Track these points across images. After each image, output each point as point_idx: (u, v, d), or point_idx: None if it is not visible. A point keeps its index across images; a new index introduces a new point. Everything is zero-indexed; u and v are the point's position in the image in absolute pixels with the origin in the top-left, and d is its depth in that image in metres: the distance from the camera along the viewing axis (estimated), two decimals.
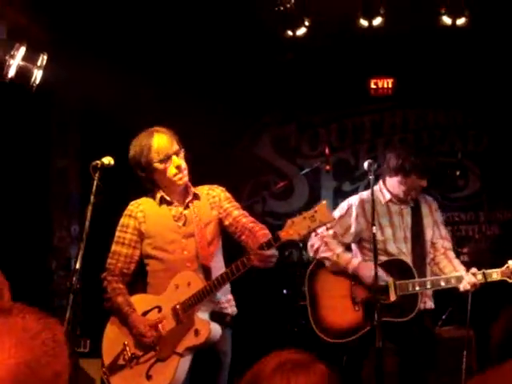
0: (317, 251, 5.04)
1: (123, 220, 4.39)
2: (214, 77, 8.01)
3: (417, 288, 4.75)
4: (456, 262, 4.98)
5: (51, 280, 7.78)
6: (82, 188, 7.62)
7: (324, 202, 3.89)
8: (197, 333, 4.08)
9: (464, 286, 4.73)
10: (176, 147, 4.25)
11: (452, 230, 8.31)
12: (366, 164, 4.78)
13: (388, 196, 5.04)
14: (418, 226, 5.04)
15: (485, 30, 7.57)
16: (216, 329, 4.12)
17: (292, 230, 3.81)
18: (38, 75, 5.54)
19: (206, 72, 7.98)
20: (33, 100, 6.34)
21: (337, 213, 5.05)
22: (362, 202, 5.03)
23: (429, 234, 5.03)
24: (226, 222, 4.32)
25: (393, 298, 4.73)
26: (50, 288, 7.72)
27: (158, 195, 4.33)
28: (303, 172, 7.83)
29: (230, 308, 4.34)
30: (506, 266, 4.70)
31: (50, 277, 7.78)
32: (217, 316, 4.20)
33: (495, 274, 4.68)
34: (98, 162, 4.15)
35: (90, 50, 7.22)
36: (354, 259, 4.96)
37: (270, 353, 1.80)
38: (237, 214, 4.31)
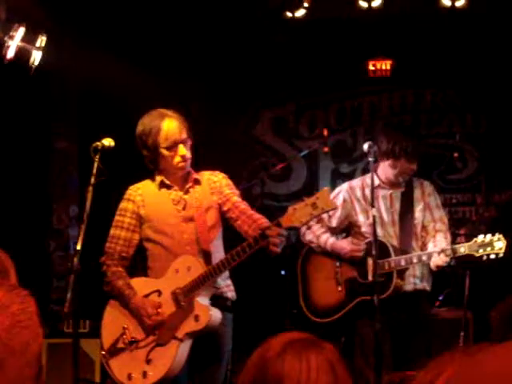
0: (303, 235, 5.21)
1: (122, 204, 4.38)
2: (212, 58, 8.00)
3: (392, 265, 4.84)
4: (440, 241, 5.00)
5: (50, 261, 7.80)
6: (81, 169, 7.63)
7: (326, 188, 3.93)
8: (197, 318, 4.08)
9: (434, 262, 4.82)
10: (184, 136, 4.22)
11: (449, 212, 8.35)
12: (365, 146, 4.84)
13: (377, 181, 5.08)
14: (408, 210, 5.12)
15: (484, 11, 7.56)
16: (216, 314, 4.12)
17: (294, 217, 3.83)
18: (36, 56, 5.53)
19: (205, 53, 7.96)
20: (32, 81, 6.33)
21: None
22: (350, 189, 5.17)
23: (419, 217, 5.09)
24: (225, 208, 4.31)
25: (371, 277, 4.81)
26: (49, 269, 7.74)
27: (158, 179, 4.32)
28: (301, 154, 7.84)
29: (230, 293, 4.34)
30: (473, 240, 4.75)
31: (48, 257, 7.80)
32: (217, 300, 4.21)
33: (462, 248, 4.76)
34: (99, 143, 4.17)
35: (88, 31, 7.21)
36: (331, 238, 5.13)
37: (271, 335, 1.81)
38: (236, 200, 4.31)
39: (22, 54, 5.48)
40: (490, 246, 4.69)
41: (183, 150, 4.21)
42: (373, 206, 4.75)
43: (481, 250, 4.69)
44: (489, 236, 4.74)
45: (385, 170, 5.10)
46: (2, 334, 1.38)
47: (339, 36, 8.06)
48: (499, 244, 4.69)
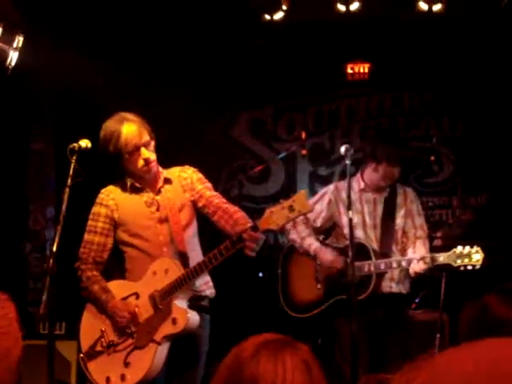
0: (287, 233, 5.38)
1: (94, 208, 4.35)
2: (191, 60, 7.99)
3: (372, 269, 5.01)
4: (419, 248, 5.18)
5: (26, 262, 7.75)
6: (58, 170, 7.59)
7: (303, 190, 3.95)
8: (174, 321, 4.07)
9: (412, 268, 4.98)
10: (146, 138, 4.17)
11: (426, 215, 8.39)
12: (342, 149, 4.91)
13: (362, 185, 5.31)
14: (390, 215, 5.28)
15: (461, 15, 7.60)
16: (194, 317, 4.11)
17: (270, 220, 3.83)
18: (13, 57, 5.50)
19: (183, 55, 7.95)
20: (9, 82, 6.29)
21: (314, 198, 5.36)
22: (336, 190, 5.34)
23: (400, 223, 5.26)
24: (200, 204, 4.29)
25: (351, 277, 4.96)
26: (25, 270, 7.69)
27: (128, 183, 4.28)
28: (280, 156, 7.86)
29: (208, 290, 4.33)
30: (452, 250, 4.89)
31: (24, 259, 7.75)
32: (194, 301, 4.20)
33: (441, 258, 4.90)
34: (76, 144, 4.14)
35: (65, 32, 7.18)
36: (316, 243, 5.29)
37: (247, 336, 1.81)
38: (209, 195, 4.29)
39: None
40: (467, 258, 4.83)
41: (145, 153, 4.16)
42: (349, 209, 4.84)
43: (459, 261, 4.84)
44: (467, 247, 4.86)
45: (369, 174, 5.27)
46: None
47: (317, 39, 8.08)
48: (477, 256, 4.82)
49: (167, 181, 4.31)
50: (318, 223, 5.33)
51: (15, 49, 5.47)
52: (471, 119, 8.23)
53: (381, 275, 5.08)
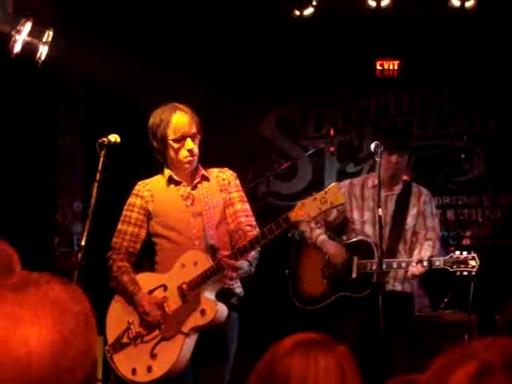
0: (300, 224, 5.46)
1: (130, 199, 4.35)
2: (219, 55, 7.98)
3: (374, 267, 5.07)
4: (426, 250, 5.19)
5: (53, 256, 7.79)
6: (86, 165, 7.61)
7: (335, 183, 3.97)
8: (203, 313, 4.04)
9: (410, 270, 5.04)
10: (193, 131, 4.20)
11: (455, 214, 8.32)
12: (372, 146, 4.96)
13: (375, 182, 5.27)
14: (400, 214, 5.31)
15: (493, 12, 7.53)
16: (223, 309, 4.08)
17: (302, 211, 3.84)
18: (43, 51, 5.53)
19: (212, 50, 7.94)
20: (38, 76, 6.32)
21: None
22: (350, 185, 5.42)
23: (410, 222, 5.28)
24: (226, 211, 4.30)
25: (354, 275, 5.15)
26: (52, 264, 7.72)
27: (167, 173, 4.30)
28: (307, 153, 7.82)
29: (238, 289, 4.31)
30: (450, 255, 4.93)
31: (51, 253, 7.79)
32: (224, 295, 4.18)
33: (438, 262, 4.94)
34: (105, 139, 4.15)
35: (95, 25, 7.19)
36: (322, 235, 5.38)
37: (277, 336, 1.79)
38: (238, 209, 4.30)
39: (29, 49, 5.47)
40: (463, 264, 4.87)
41: (190, 144, 4.18)
42: (379, 207, 4.90)
43: (455, 266, 4.88)
44: (465, 253, 4.91)
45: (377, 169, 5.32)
46: (67, 336, 1.35)
47: (347, 35, 8.03)
48: (472, 263, 4.86)
49: (205, 178, 4.32)
50: (331, 217, 5.38)
51: (45, 43, 5.49)
52: (502, 117, 8.14)
53: (383, 274, 5.10)
